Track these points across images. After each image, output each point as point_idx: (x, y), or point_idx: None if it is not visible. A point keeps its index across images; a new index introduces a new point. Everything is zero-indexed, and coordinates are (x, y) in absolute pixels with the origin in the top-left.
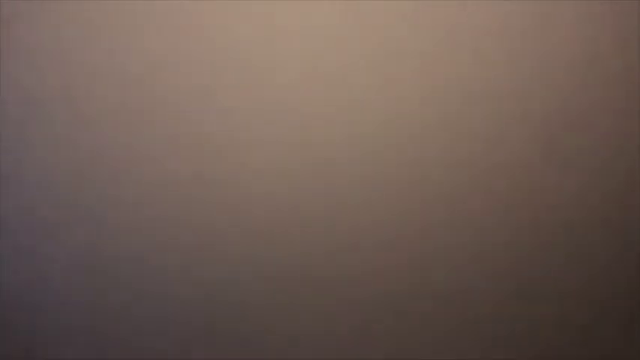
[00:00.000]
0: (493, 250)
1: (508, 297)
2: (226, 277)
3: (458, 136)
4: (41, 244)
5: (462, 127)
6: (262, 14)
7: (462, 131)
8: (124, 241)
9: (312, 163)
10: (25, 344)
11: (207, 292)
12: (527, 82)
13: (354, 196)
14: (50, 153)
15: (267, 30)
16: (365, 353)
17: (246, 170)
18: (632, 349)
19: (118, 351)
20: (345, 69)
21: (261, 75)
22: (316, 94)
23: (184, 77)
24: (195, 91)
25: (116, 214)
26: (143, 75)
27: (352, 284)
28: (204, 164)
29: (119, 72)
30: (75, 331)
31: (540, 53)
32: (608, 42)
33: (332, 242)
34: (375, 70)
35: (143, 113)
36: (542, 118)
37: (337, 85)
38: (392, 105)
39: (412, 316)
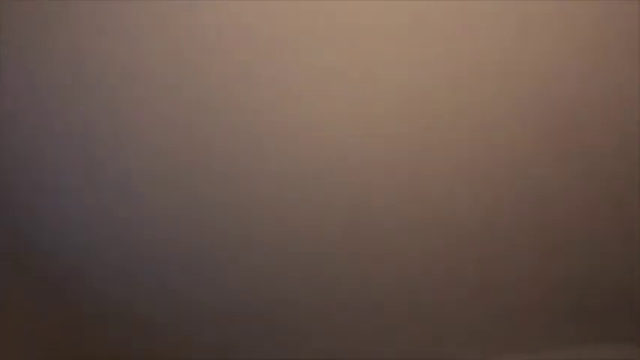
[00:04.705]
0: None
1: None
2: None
3: (459, 132)
4: None
5: (463, 125)
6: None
7: (465, 128)
8: None
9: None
10: None
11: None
12: (529, 78)
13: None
14: None
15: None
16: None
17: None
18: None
19: None
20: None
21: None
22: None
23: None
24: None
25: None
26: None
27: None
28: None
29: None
30: None
31: (543, 50)
32: (609, 40)
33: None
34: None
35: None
36: (543, 115)
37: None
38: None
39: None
